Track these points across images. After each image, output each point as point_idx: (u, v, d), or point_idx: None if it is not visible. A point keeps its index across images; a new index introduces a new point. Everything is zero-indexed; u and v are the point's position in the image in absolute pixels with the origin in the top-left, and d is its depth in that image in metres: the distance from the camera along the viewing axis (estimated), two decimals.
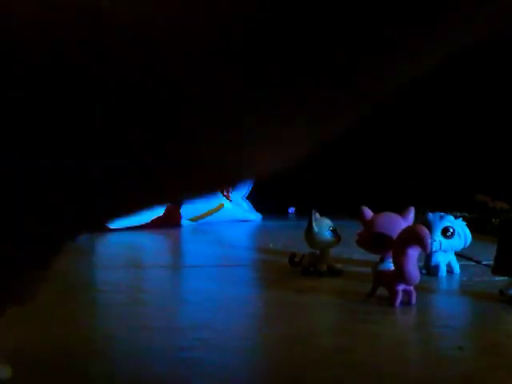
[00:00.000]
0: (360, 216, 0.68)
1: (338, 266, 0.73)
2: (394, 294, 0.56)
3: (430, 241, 0.54)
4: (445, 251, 0.70)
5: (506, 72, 1.32)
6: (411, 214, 0.67)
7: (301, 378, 0.39)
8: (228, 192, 1.41)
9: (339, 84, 0.18)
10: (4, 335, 0.49)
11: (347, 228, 0.79)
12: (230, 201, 1.42)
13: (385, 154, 1.53)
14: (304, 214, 0.68)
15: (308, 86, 0.18)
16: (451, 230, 0.69)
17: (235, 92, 0.17)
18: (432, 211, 0.73)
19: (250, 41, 0.16)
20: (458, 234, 0.69)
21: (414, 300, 0.57)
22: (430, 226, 0.67)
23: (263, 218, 1.47)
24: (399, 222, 0.65)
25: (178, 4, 0.16)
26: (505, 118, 1.37)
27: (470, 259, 0.81)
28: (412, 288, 0.57)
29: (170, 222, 1.30)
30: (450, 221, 0.69)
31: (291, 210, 1.66)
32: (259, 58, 0.16)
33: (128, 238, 1.09)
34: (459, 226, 0.69)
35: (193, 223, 1.36)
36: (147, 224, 1.25)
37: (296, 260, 0.75)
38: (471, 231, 0.70)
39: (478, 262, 0.79)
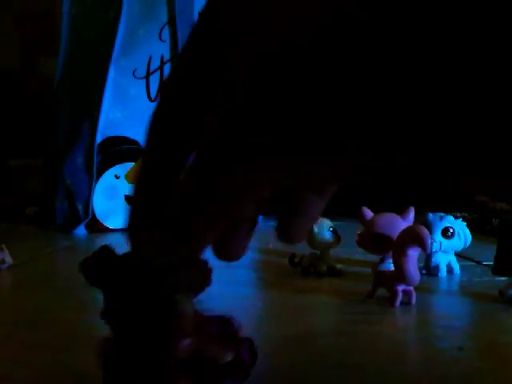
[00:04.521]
0: (360, 216, 0.67)
1: (338, 266, 0.73)
2: (394, 294, 0.56)
3: (429, 241, 0.54)
4: (445, 251, 0.70)
5: None
6: (411, 214, 0.67)
7: (301, 378, 0.39)
8: None
9: None
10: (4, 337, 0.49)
11: (347, 228, 0.79)
12: None
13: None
14: None
15: None
16: (451, 231, 0.68)
17: None
18: (432, 211, 0.73)
19: None
20: (458, 235, 0.69)
21: (413, 300, 0.57)
22: (429, 227, 0.67)
23: (263, 218, 1.46)
24: (399, 222, 0.65)
25: None
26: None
27: (469, 259, 0.81)
28: (412, 288, 0.57)
29: None
30: (450, 221, 0.69)
31: None
32: None
33: None
34: (459, 227, 0.69)
35: None
36: None
37: (296, 260, 0.75)
38: (471, 231, 0.70)
39: (478, 262, 0.79)
